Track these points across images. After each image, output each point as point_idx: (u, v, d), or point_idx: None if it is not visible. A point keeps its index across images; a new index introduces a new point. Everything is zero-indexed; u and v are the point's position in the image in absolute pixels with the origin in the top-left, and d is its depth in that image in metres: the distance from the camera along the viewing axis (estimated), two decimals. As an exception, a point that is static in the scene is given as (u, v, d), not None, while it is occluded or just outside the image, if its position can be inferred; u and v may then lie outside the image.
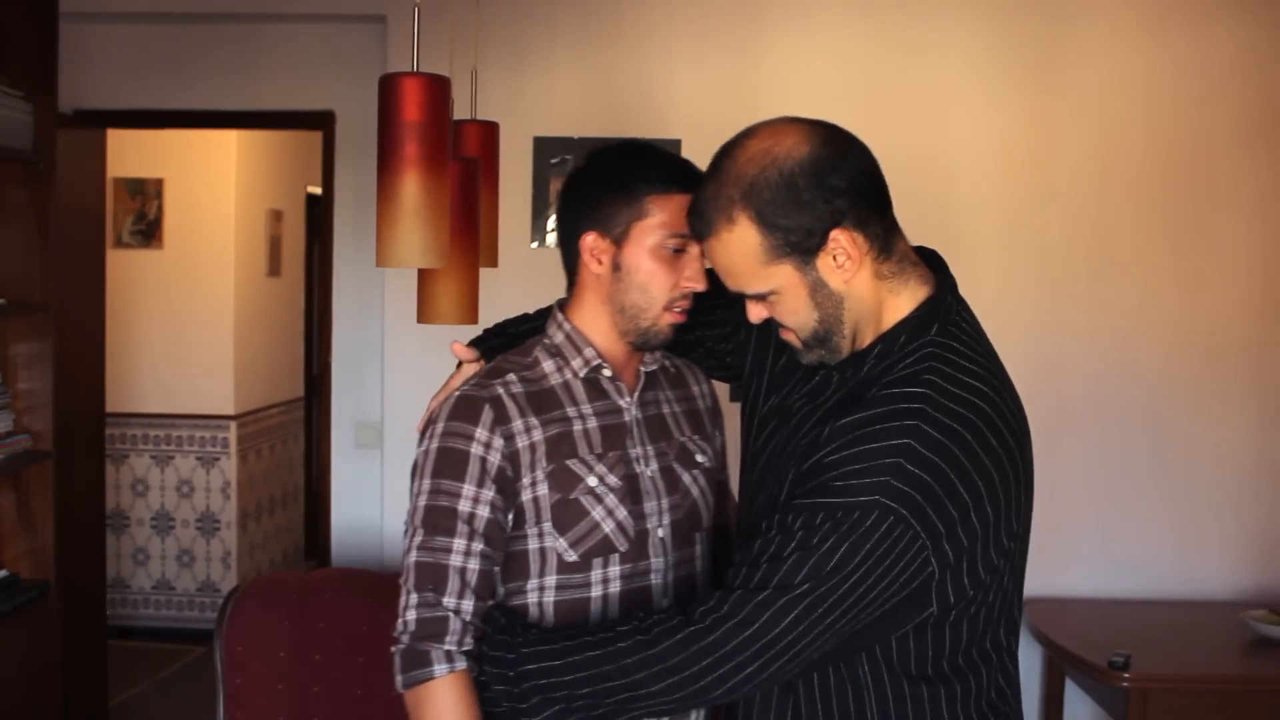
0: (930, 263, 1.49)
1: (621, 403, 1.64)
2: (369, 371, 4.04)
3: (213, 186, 5.41)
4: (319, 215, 4.53)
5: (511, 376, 1.59)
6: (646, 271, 1.57)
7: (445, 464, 1.53)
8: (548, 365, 1.63)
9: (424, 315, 2.13)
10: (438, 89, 1.60)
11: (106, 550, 4.64)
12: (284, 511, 6.14)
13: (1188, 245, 3.65)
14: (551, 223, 3.75)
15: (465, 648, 1.48)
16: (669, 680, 1.35)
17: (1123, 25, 3.65)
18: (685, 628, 1.35)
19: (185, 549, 5.51)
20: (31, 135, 3.19)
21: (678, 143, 3.61)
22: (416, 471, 1.57)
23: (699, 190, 1.42)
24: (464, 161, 2.03)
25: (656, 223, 1.56)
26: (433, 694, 1.47)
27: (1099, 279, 3.67)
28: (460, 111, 2.19)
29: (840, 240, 1.36)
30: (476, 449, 1.52)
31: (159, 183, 5.40)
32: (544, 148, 3.72)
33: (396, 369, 3.81)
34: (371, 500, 4.00)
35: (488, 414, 1.54)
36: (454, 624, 1.48)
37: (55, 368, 3.28)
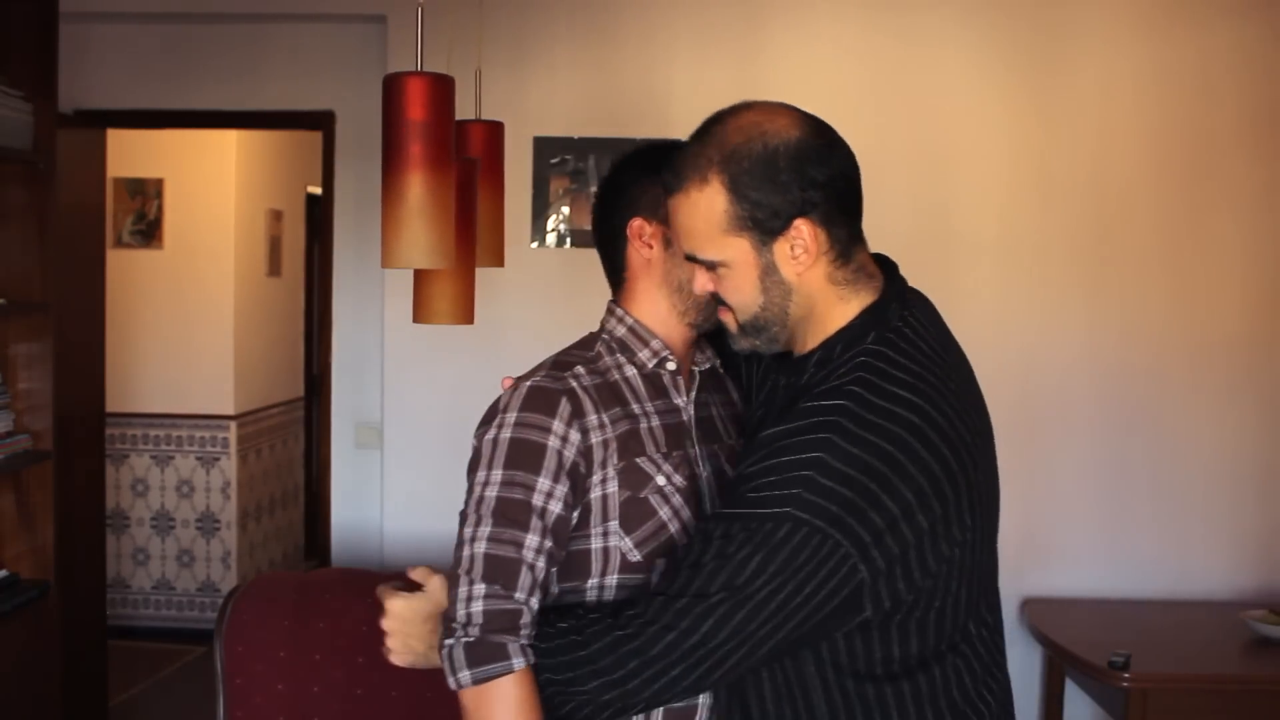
0: (885, 269, 1.48)
1: (678, 401, 1.61)
2: (369, 371, 4.04)
3: (213, 186, 5.41)
4: (319, 215, 4.53)
5: (580, 369, 1.55)
6: None
7: (520, 455, 1.46)
8: (608, 360, 1.59)
9: (420, 315, 2.13)
10: (442, 88, 1.61)
11: (106, 550, 4.64)
12: (284, 511, 6.14)
13: (1187, 244, 3.66)
14: (552, 223, 3.75)
15: (533, 643, 1.43)
16: (599, 680, 1.37)
17: (1123, 23, 3.65)
18: (613, 631, 1.36)
19: (185, 549, 5.51)
20: (31, 135, 3.20)
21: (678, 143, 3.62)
22: (480, 460, 1.49)
23: (683, 147, 1.43)
24: (462, 162, 2.03)
25: None
26: (506, 690, 1.39)
27: (1099, 277, 3.67)
28: (463, 111, 2.19)
29: (802, 230, 1.36)
30: (554, 442, 1.47)
31: (159, 183, 5.40)
32: (544, 148, 3.72)
33: (396, 369, 3.81)
34: (371, 500, 4.00)
35: (565, 407, 1.49)
36: (526, 617, 1.42)
37: (55, 368, 3.28)
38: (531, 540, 1.44)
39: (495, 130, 2.29)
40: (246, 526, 5.62)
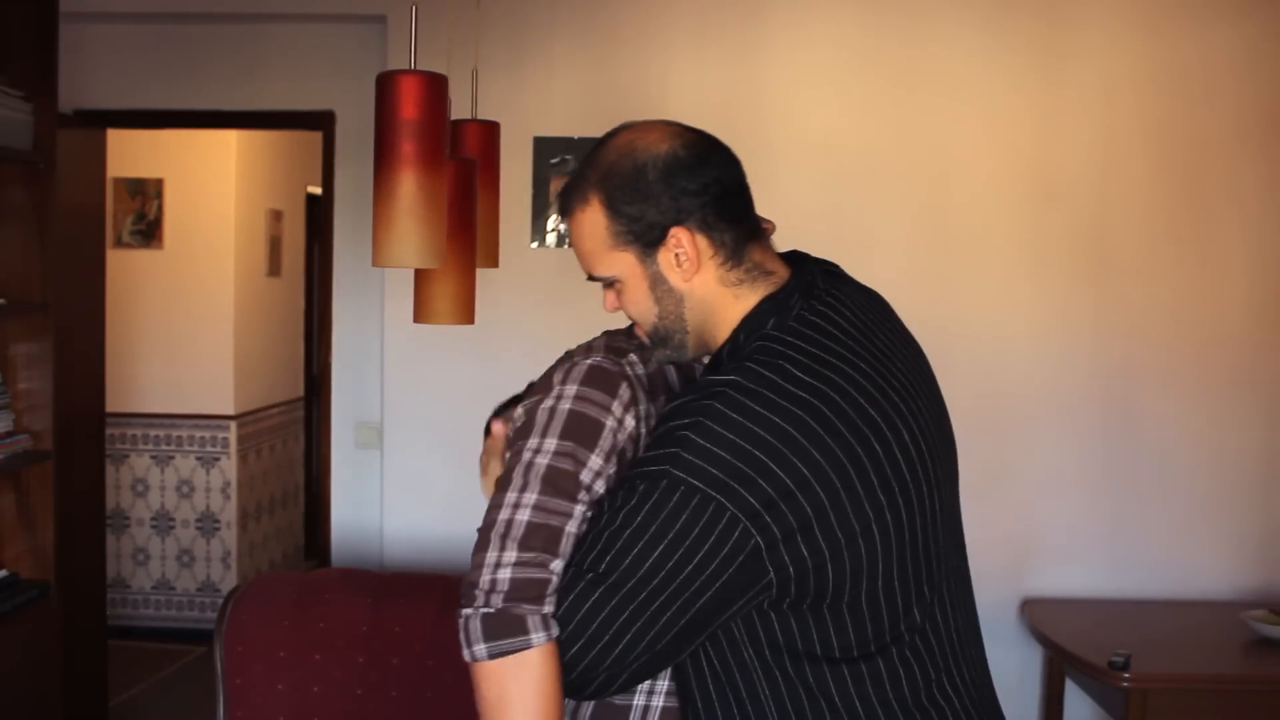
0: (795, 264, 1.50)
1: None
2: (369, 371, 4.04)
3: (213, 186, 5.41)
4: (319, 215, 4.53)
5: (633, 357, 1.53)
6: None
7: (576, 427, 1.42)
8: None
9: (420, 315, 2.13)
10: (435, 87, 1.61)
11: (106, 550, 4.64)
12: (284, 511, 6.14)
13: (1189, 243, 3.65)
14: (552, 223, 3.75)
15: (554, 614, 1.36)
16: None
17: (1124, 23, 3.65)
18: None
19: (185, 549, 5.51)
20: (31, 135, 3.20)
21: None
22: (533, 428, 1.44)
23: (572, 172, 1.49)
24: (460, 162, 2.03)
25: None
26: (522, 666, 1.33)
27: (1099, 277, 3.67)
28: (461, 111, 2.19)
29: (680, 238, 1.41)
30: (611, 422, 1.44)
31: (159, 183, 5.40)
32: (544, 148, 3.72)
33: (396, 369, 3.81)
34: (371, 500, 4.00)
35: (625, 392, 1.46)
36: (551, 585, 1.36)
37: (55, 368, 3.28)
38: (579, 512, 1.40)
39: (491, 130, 2.29)
40: (246, 526, 5.62)
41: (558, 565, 1.37)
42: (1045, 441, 3.67)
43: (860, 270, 1.63)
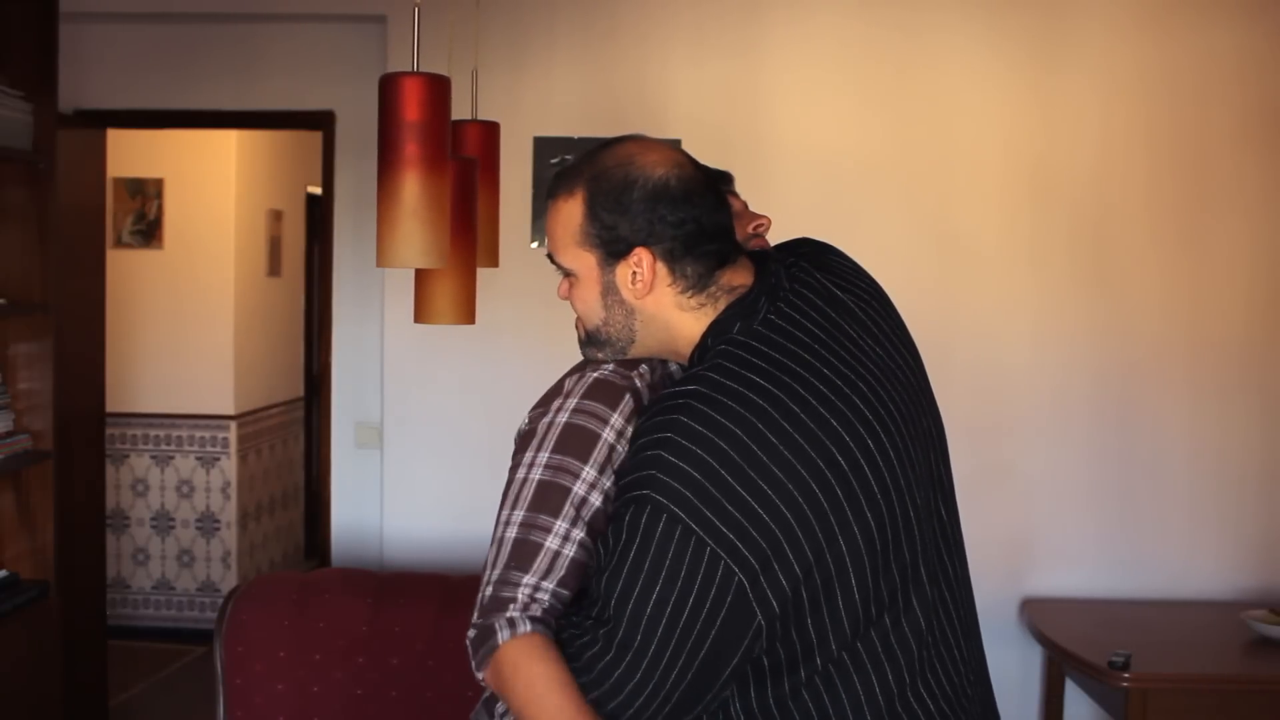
0: (759, 264, 1.51)
1: None
2: (369, 371, 4.04)
3: (213, 186, 5.41)
4: (319, 215, 4.53)
5: (644, 368, 1.55)
6: None
7: (571, 440, 1.46)
8: (655, 360, 1.58)
9: (421, 315, 2.14)
10: (438, 89, 1.61)
11: (106, 550, 4.65)
12: (284, 511, 6.14)
13: (1189, 244, 3.65)
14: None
15: (531, 614, 1.40)
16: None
17: (1125, 22, 3.64)
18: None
19: (185, 549, 5.51)
20: (31, 135, 3.20)
21: (678, 142, 3.60)
22: (530, 442, 1.49)
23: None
24: (461, 161, 2.03)
25: None
26: (505, 664, 1.38)
27: (1099, 277, 3.66)
28: (460, 112, 2.18)
29: (642, 259, 1.44)
30: (608, 434, 1.46)
31: (159, 183, 5.40)
32: (544, 148, 3.72)
33: (396, 369, 3.81)
34: (371, 500, 4.00)
35: (628, 403, 1.49)
36: (522, 595, 1.41)
37: (55, 368, 3.28)
38: (560, 527, 1.43)
39: (491, 130, 2.30)
40: (246, 526, 5.62)
41: (530, 580, 1.41)
42: (1046, 441, 3.67)
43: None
